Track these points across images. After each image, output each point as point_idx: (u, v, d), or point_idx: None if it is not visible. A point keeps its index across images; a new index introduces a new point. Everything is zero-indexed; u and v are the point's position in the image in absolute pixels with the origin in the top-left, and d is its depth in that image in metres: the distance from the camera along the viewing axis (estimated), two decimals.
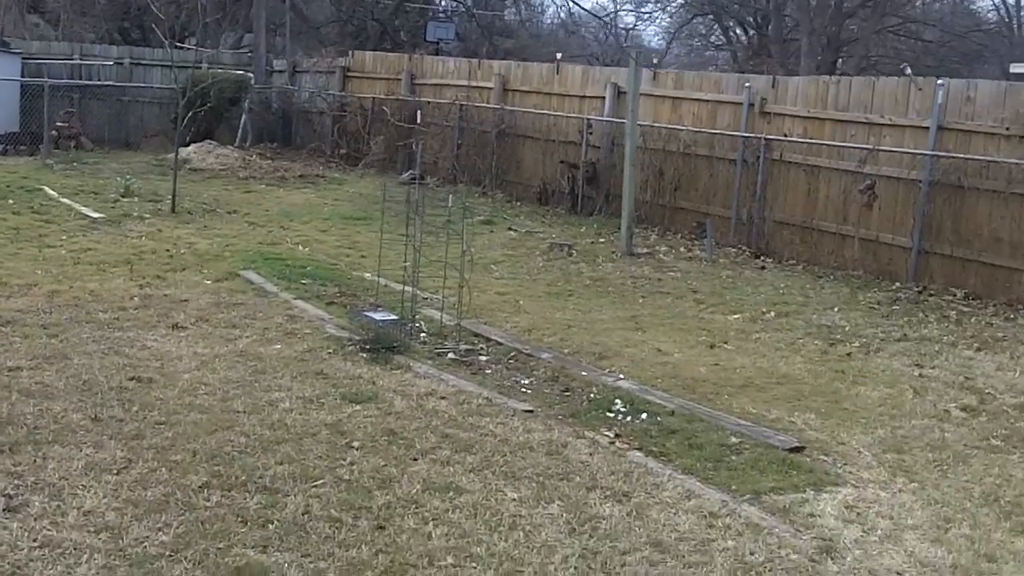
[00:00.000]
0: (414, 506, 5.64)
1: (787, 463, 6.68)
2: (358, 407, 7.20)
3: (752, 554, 5.35)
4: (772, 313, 11.00)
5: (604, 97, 17.41)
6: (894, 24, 41.57)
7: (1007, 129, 12.11)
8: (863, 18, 39.33)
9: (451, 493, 5.84)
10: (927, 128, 12.88)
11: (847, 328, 10.50)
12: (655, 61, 16.41)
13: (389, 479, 5.98)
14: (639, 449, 6.77)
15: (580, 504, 5.82)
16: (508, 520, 5.55)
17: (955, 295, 12.31)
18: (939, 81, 12.96)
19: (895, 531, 5.79)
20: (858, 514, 5.97)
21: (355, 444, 6.51)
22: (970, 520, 5.98)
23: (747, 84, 15.28)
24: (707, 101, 15.89)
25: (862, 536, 5.69)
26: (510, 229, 15.49)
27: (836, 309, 11.38)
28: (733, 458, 6.72)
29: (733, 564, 5.25)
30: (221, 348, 8.44)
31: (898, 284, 12.83)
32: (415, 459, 6.33)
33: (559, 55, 19.98)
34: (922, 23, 42.17)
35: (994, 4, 44.26)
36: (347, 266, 12.36)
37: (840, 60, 39.31)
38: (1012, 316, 11.46)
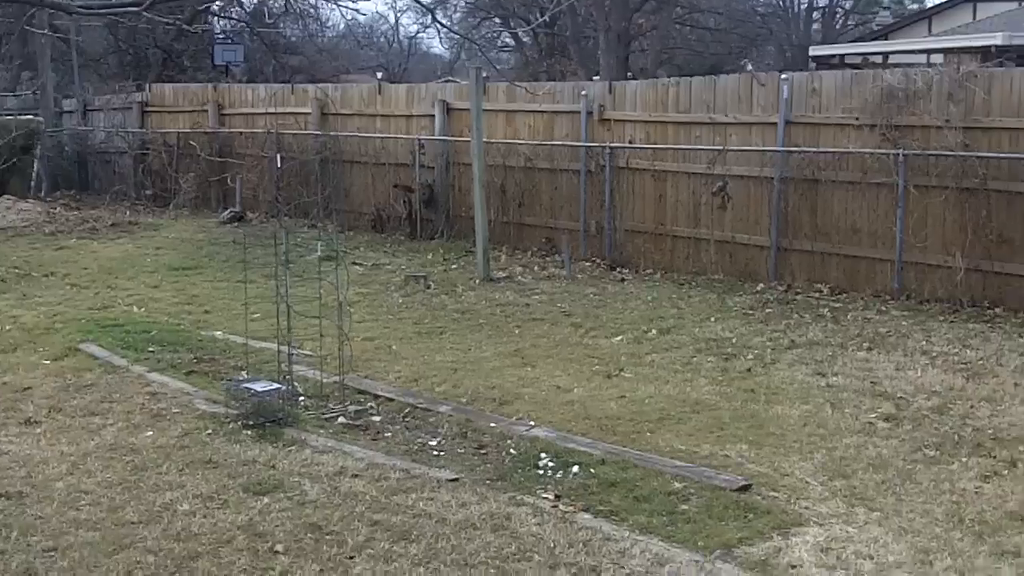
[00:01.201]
0: None
1: (741, 505, 6.30)
2: (266, 499, 6.45)
3: None
4: (654, 331, 10.66)
5: (433, 115, 16.78)
6: (680, 15, 42.72)
7: (856, 119, 12.07)
8: (650, 11, 40.13)
9: None
10: (775, 124, 12.74)
11: (733, 340, 10.25)
12: (485, 75, 15.79)
13: None
14: (586, 511, 6.26)
15: None
16: None
17: (821, 291, 12.26)
18: (783, 76, 12.84)
19: (882, 572, 5.46)
20: (838, 558, 5.62)
21: (279, 548, 5.78)
22: (948, 548, 5.70)
23: (583, 92, 14.88)
24: (543, 112, 15.43)
25: None
26: (355, 263, 14.71)
27: (713, 319, 11.14)
28: (684, 507, 6.29)
29: None
30: (88, 443, 7.52)
31: (761, 285, 12.70)
32: (351, 558, 5.65)
33: (379, 74, 19.29)
34: (706, 12, 43.44)
35: None
36: (192, 325, 11.43)
37: (630, 55, 39.93)
38: (884, 308, 11.43)
